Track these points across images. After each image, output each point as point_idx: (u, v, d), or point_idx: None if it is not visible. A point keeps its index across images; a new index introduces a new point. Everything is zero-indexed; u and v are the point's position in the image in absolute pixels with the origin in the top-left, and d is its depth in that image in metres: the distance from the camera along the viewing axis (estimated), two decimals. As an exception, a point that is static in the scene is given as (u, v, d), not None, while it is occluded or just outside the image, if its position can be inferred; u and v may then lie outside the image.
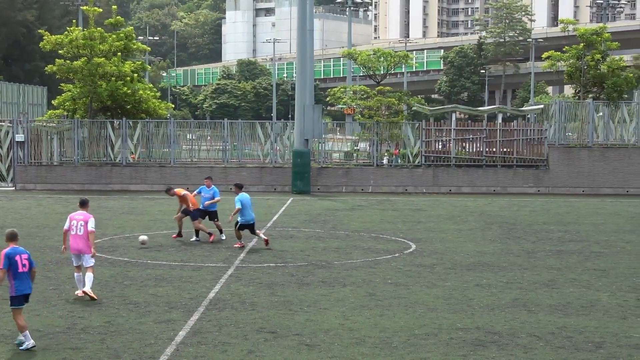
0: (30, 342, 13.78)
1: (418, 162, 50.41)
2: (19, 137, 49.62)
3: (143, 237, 25.78)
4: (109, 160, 50.42)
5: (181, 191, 27.56)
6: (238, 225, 25.62)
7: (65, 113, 53.94)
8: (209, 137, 55.69)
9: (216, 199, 27.75)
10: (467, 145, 51.56)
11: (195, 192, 28.47)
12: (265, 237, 25.89)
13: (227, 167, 50.03)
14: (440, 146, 52.70)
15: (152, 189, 48.69)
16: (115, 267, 21.98)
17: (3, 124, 52.03)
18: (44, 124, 53.08)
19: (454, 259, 23.62)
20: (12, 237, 14.15)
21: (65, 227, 18.25)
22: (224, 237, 27.50)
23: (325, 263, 22.90)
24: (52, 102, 58.12)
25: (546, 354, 13.83)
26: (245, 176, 49.45)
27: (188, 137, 55.05)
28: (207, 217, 27.71)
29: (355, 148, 57.76)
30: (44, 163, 50.83)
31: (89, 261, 17.87)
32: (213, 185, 28.11)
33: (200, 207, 27.61)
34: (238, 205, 25.41)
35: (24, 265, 13.87)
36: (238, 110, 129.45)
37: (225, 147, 51.06)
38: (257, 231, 26.26)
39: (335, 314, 16.58)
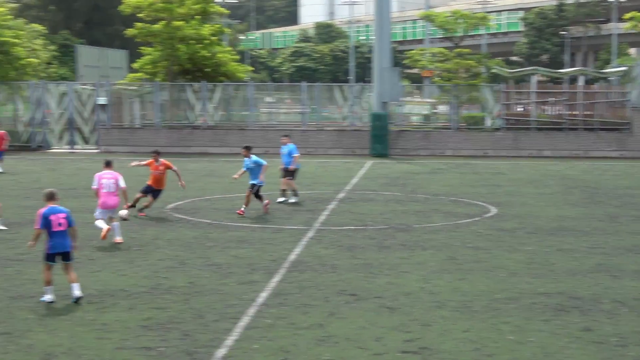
0: (48, 297, 14.23)
1: (498, 125, 49.92)
2: (101, 100, 50.40)
3: (123, 212, 21.34)
4: (189, 123, 50.93)
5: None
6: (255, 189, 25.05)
7: (146, 76, 54.58)
8: (287, 100, 55.90)
9: (294, 155, 27.89)
10: (548, 108, 50.88)
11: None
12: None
13: (306, 130, 50.17)
14: (520, 109, 52.11)
15: (232, 151, 49.07)
16: (197, 229, 22.27)
17: (86, 87, 52.86)
18: (125, 87, 53.81)
19: (535, 223, 23.42)
20: (50, 197, 14.61)
21: (95, 186, 19.89)
22: (280, 200, 27.50)
23: (405, 226, 22.91)
24: (133, 65, 58.87)
25: (630, 320, 13.68)
26: (324, 139, 49.58)
27: (267, 100, 55.32)
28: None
29: (433, 111, 57.43)
30: (125, 126, 51.57)
31: (120, 213, 20.26)
32: (289, 143, 28.18)
33: (285, 167, 27.88)
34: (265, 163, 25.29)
35: (59, 225, 14.27)
36: (316, 73, 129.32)
37: (303, 110, 51.18)
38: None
39: (416, 277, 16.61)
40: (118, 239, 19.85)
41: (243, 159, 25.55)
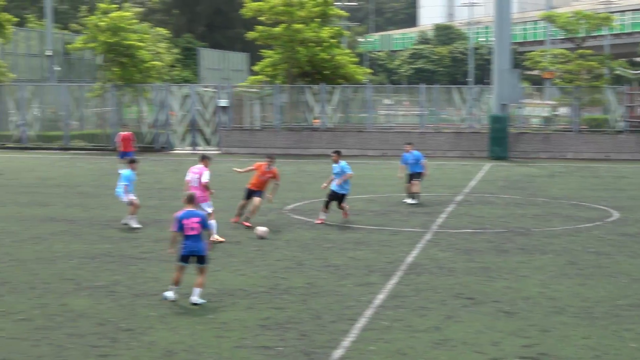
0: (170, 294, 14.53)
1: (621, 128, 48.81)
2: (223, 102, 51.23)
3: (262, 230, 20.95)
4: (308, 125, 51.34)
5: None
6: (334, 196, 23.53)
7: (266, 79, 55.25)
8: (406, 102, 55.80)
9: (422, 161, 28.24)
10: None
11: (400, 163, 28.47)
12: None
13: (424, 132, 50.00)
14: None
15: (350, 153, 49.24)
16: (315, 229, 22.45)
17: (208, 89, 53.82)
18: (246, 89, 54.57)
19: (659, 229, 22.86)
20: (188, 200, 15.02)
21: (187, 178, 20.59)
22: (411, 201, 27.63)
23: (524, 230, 22.64)
24: (253, 68, 59.62)
25: None
26: (442, 141, 49.33)
27: (385, 102, 55.34)
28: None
29: (554, 113, 56.48)
30: (246, 127, 52.30)
31: (207, 209, 19.75)
32: (412, 150, 28.26)
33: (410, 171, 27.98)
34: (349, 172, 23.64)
35: (192, 229, 14.48)
36: (435, 75, 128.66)
37: (422, 112, 51.02)
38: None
39: (535, 281, 16.40)
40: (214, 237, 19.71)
41: (332, 164, 24.33)
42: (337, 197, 23.53)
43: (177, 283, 14.59)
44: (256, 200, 22.85)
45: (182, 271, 14.59)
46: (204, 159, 20.79)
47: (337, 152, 24.15)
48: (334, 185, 23.50)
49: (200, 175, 20.34)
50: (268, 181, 23.30)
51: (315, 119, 51.61)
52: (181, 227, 14.55)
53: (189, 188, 19.87)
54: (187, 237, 14.54)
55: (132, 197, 22.42)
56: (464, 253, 19.25)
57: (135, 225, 22.34)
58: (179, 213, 14.75)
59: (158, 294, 15.09)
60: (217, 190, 30.86)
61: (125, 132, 38.35)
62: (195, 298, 14.39)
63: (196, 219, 14.59)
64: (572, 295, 15.33)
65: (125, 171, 22.78)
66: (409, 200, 27.82)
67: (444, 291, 15.56)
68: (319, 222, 23.19)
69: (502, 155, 47.06)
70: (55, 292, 15.27)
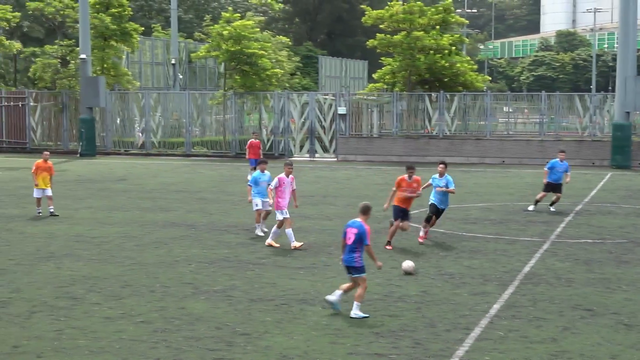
0: (335, 302, 14.42)
1: None
2: (341, 110, 51.48)
3: (408, 265, 18.07)
4: (427, 133, 51.18)
5: None
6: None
7: (385, 86, 55.34)
8: (525, 110, 55.10)
9: (568, 174, 28.13)
10: None
11: (546, 167, 28.31)
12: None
13: (544, 140, 49.28)
14: None
15: (468, 161, 48.92)
16: (431, 239, 22.36)
17: (327, 97, 54.19)
18: (365, 97, 54.74)
19: None
20: (361, 211, 14.82)
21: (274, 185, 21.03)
22: (553, 209, 27.68)
23: (646, 241, 22.12)
24: (373, 75, 59.80)
25: None
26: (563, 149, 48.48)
27: (504, 109, 54.77)
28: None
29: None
30: (364, 135, 52.45)
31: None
32: (564, 160, 28.15)
33: (549, 180, 27.83)
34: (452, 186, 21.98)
35: (349, 238, 14.38)
36: (556, 83, 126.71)
37: (542, 120, 50.31)
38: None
39: (656, 294, 16.03)
40: (295, 244, 20.57)
41: (434, 175, 22.27)
42: (437, 212, 21.85)
43: (343, 289, 14.62)
44: (406, 225, 21.06)
45: (350, 280, 14.62)
46: (287, 165, 21.41)
47: (444, 164, 22.23)
48: (435, 199, 21.80)
49: (292, 181, 21.12)
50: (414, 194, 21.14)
51: (431, 126, 51.42)
52: (344, 236, 14.56)
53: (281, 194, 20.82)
54: (346, 247, 14.49)
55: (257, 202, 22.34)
56: (583, 263, 18.93)
57: (259, 232, 22.62)
58: (350, 222, 14.74)
59: (274, 299, 15.31)
60: (334, 197, 31.09)
61: (255, 140, 38.64)
62: (354, 313, 14.20)
63: (354, 230, 14.40)
64: (695, 308, 14.92)
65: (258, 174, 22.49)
66: (552, 209, 27.86)
67: (561, 302, 15.33)
68: (422, 239, 21.59)
69: (625, 164, 46.01)
70: (174, 295, 15.64)
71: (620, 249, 20.91)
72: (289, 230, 20.60)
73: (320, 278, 17.19)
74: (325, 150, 52.55)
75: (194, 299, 15.37)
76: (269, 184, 21.62)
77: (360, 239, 14.31)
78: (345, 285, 14.62)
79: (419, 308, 14.80)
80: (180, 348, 12.38)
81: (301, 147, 52.97)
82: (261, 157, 36.46)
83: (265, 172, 22.44)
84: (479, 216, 26.64)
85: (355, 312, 14.18)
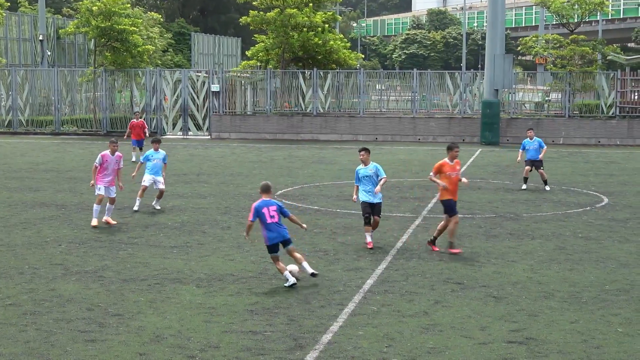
0: (291, 280, 14.67)
1: (612, 114, 48.86)
2: (215, 88, 51.14)
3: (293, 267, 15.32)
4: (300, 110, 51.30)
5: None
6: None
7: (259, 64, 55.17)
8: (398, 88, 55.78)
9: (544, 149, 28.72)
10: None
11: (520, 149, 29.12)
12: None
13: (416, 117, 50.00)
14: (636, 97, 50.86)
15: (342, 138, 49.29)
16: (305, 214, 22.43)
17: (200, 74, 53.72)
18: (238, 74, 54.48)
19: (648, 214, 22.89)
20: (264, 190, 15.07)
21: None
22: (547, 189, 28.03)
23: (513, 215, 22.68)
24: (246, 52, 59.54)
25: None
26: (434, 127, 49.35)
27: (377, 87, 55.33)
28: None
29: (546, 98, 56.49)
30: (237, 113, 52.24)
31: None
32: (535, 137, 28.89)
33: (527, 158, 28.52)
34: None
35: (272, 217, 14.69)
36: (427, 61, 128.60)
37: (414, 98, 51.01)
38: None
39: (523, 266, 16.43)
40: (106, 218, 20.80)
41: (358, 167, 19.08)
42: (373, 208, 18.39)
43: (283, 270, 14.80)
44: (455, 219, 18.02)
45: (279, 259, 14.92)
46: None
47: (366, 150, 18.81)
48: (365, 195, 18.36)
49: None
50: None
51: (286, 103, 51.67)
52: (260, 217, 14.75)
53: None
54: (267, 227, 14.78)
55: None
56: (454, 238, 19.24)
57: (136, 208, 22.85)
58: (256, 203, 14.89)
59: (147, 279, 15.11)
60: (207, 175, 30.89)
61: (136, 120, 37.27)
62: (310, 269, 14.96)
63: (274, 207, 14.80)
64: (560, 280, 15.36)
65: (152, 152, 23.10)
66: (524, 186, 28.35)
67: (432, 276, 15.58)
68: (370, 245, 18.21)
69: (494, 140, 47.13)
70: (44, 277, 15.27)
71: (489, 223, 21.39)
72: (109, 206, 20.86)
73: (194, 257, 17.05)
74: (198, 128, 52.15)
75: (64, 280, 15.04)
76: (164, 162, 23.09)
77: (281, 212, 14.91)
78: (280, 266, 14.88)
79: (293, 285, 14.81)
80: (51, 330, 12.09)
81: (174, 125, 52.43)
82: (145, 136, 36.49)
83: (160, 150, 23.15)
84: (352, 193, 26.79)
85: (311, 269, 15.02)
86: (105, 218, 20.84)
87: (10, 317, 12.75)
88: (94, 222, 20.52)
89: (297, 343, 11.64)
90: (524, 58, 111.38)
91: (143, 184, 22.90)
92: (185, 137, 51.16)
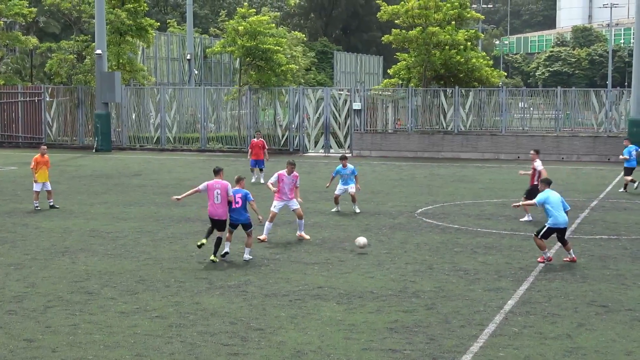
0: (246, 256, 18.64)
1: None
2: (356, 105, 51.43)
3: (361, 241, 19.71)
4: (442, 128, 51.11)
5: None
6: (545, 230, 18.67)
7: (400, 82, 55.25)
8: (541, 106, 54.94)
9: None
10: None
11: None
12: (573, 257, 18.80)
13: (559, 136, 49.13)
14: None
15: (483, 157, 48.84)
16: (445, 233, 22.36)
17: (342, 92, 54.15)
18: (380, 92, 54.68)
19: None
20: (237, 181, 18.81)
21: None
22: (635, 186, 31.96)
23: (661, 237, 22.05)
24: (388, 71, 59.70)
25: None
26: (578, 145, 48.39)
27: (520, 105, 54.63)
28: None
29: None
30: (379, 130, 52.41)
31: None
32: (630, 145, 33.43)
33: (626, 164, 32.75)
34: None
35: (236, 203, 18.32)
36: (571, 78, 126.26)
37: (557, 116, 50.16)
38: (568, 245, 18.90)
39: (671, 290, 15.97)
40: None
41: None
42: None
43: (228, 240, 18.74)
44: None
45: (232, 234, 18.90)
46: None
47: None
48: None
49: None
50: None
51: (398, 119, 51.49)
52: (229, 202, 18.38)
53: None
54: (232, 210, 18.41)
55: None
56: (598, 260, 18.88)
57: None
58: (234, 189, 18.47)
59: (288, 294, 15.34)
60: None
61: (257, 140, 36.01)
62: (248, 256, 18.59)
63: (240, 195, 18.43)
64: None
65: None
66: (635, 185, 32.12)
67: (576, 298, 15.30)
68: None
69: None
70: (189, 290, 15.68)
71: (636, 245, 20.85)
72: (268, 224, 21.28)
73: (335, 273, 17.20)
74: (340, 145, 52.51)
75: (208, 294, 15.41)
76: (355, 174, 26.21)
77: (246, 199, 18.49)
78: (228, 235, 18.71)
79: (434, 304, 14.79)
80: (195, 343, 12.42)
81: (316, 142, 52.94)
82: (265, 157, 35.36)
83: (348, 165, 26.16)
84: (494, 212, 26.59)
85: (247, 255, 18.59)
86: (299, 233, 21.50)
87: (156, 329, 13.15)
88: (263, 236, 20.93)
89: (436, 362, 11.62)
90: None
91: (336, 192, 26.44)
92: (326, 154, 51.58)
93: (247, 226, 18.59)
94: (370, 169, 42.35)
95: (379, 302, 14.85)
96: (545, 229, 18.43)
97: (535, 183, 24.16)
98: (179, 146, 54.82)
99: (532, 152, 25.60)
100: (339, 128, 52.66)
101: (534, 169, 24.86)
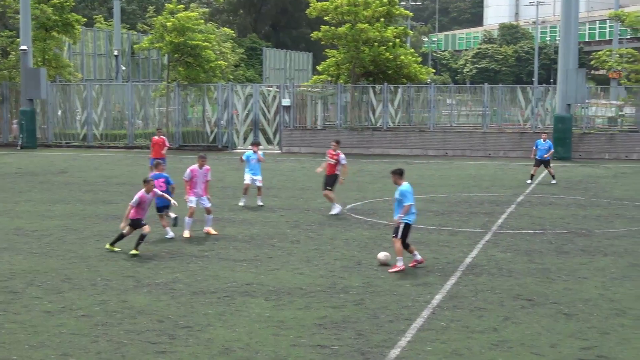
0: (169, 234, 20.77)
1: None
2: (285, 102, 51.42)
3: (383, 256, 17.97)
4: (370, 125, 51.33)
5: None
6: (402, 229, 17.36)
7: (329, 78, 55.35)
8: (468, 102, 55.51)
9: (551, 151, 34.63)
10: None
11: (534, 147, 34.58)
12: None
13: (486, 132, 49.69)
14: None
15: (412, 153, 49.18)
16: (374, 229, 22.46)
17: (271, 89, 54.09)
18: (309, 89, 54.72)
19: None
20: (155, 166, 21.15)
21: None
22: (554, 182, 33.62)
23: (585, 231, 22.40)
24: (317, 67, 59.78)
25: None
26: (504, 142, 49.00)
27: (448, 102, 55.13)
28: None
29: (620, 113, 55.70)
30: (308, 127, 52.45)
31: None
32: (547, 140, 34.87)
33: (537, 156, 34.20)
34: (409, 201, 17.40)
35: (159, 187, 19.86)
36: (498, 75, 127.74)
37: (485, 112, 50.72)
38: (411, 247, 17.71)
39: (595, 283, 16.23)
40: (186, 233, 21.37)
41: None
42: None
43: (165, 226, 20.84)
44: None
45: (162, 217, 20.89)
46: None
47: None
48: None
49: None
50: None
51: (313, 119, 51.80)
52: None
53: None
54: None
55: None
56: (524, 254, 19.12)
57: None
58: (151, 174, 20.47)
59: (217, 291, 15.26)
60: (277, 189, 31.04)
61: (158, 137, 34.70)
62: (171, 234, 20.71)
63: (162, 179, 20.36)
64: (633, 297, 15.14)
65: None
66: (553, 181, 33.95)
67: (502, 292, 15.47)
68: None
69: (566, 155, 46.58)
70: (116, 288, 15.51)
71: (561, 239, 21.16)
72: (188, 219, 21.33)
73: (263, 270, 17.16)
74: (269, 142, 52.45)
75: (135, 292, 15.26)
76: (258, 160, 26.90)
77: (168, 183, 20.43)
78: (165, 222, 20.74)
79: (362, 299, 14.83)
80: (122, 342, 12.28)
81: (245, 139, 52.80)
82: (165, 155, 33.79)
83: (257, 152, 27.10)
84: (422, 207, 26.72)
85: (172, 234, 20.75)
86: (206, 229, 21.44)
87: (82, 327, 12.97)
88: (186, 234, 20.95)
89: (365, 357, 11.65)
90: (597, 72, 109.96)
91: (245, 182, 26.84)
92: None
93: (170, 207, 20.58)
94: (299, 165, 42.37)
95: (307, 299, 14.85)
96: (403, 226, 17.23)
97: (337, 172, 25.52)
98: (106, 143, 54.24)
99: (333, 143, 26.38)
100: (268, 124, 52.59)
101: (337, 160, 25.57)
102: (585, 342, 12.42)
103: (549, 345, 12.27)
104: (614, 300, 14.89)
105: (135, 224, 18.80)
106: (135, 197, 18.88)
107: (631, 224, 23.67)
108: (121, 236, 18.97)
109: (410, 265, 17.50)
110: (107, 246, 19.19)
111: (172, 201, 19.85)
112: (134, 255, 18.43)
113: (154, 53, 74.64)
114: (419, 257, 17.67)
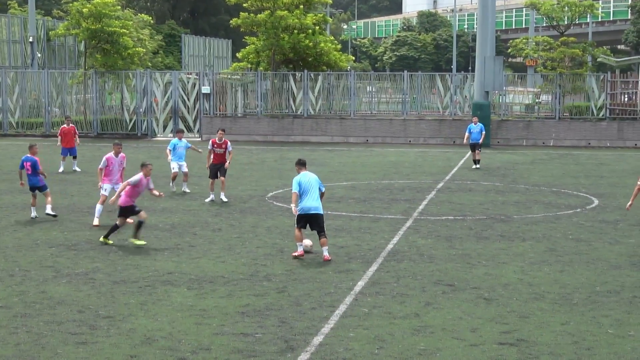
0: (33, 214, 21.84)
1: (602, 115, 48.98)
2: (205, 89, 51.08)
3: (307, 243, 17.73)
4: (291, 112, 51.29)
5: None
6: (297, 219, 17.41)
7: (249, 66, 55.13)
8: (388, 90, 55.80)
9: (483, 133, 35.79)
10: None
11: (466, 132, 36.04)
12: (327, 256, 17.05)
13: (406, 119, 50.04)
14: (625, 99, 50.97)
15: (333, 140, 49.29)
16: (294, 217, 22.41)
17: (190, 76, 53.67)
18: (229, 76, 54.42)
19: (639, 215, 22.93)
20: (29, 147, 22.27)
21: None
22: (476, 167, 34.73)
23: (504, 217, 22.71)
24: (237, 54, 59.48)
25: None
26: (424, 129, 49.40)
27: (368, 89, 55.35)
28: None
29: (536, 100, 56.54)
30: (228, 114, 52.19)
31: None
32: (479, 123, 36.53)
33: (471, 140, 35.47)
34: (295, 189, 17.67)
35: (27, 169, 21.49)
36: (418, 62, 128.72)
37: (404, 100, 51.05)
38: (324, 239, 17.18)
39: (514, 268, 16.47)
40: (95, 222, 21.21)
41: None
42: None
43: (33, 204, 21.98)
44: None
45: (35, 197, 21.97)
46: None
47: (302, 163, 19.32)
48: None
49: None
50: None
51: (221, 106, 51.73)
52: (22, 168, 21.80)
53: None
54: (28, 176, 21.53)
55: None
56: (445, 240, 19.32)
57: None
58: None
59: (138, 281, 15.10)
60: (198, 177, 30.86)
61: (67, 126, 34.29)
62: (49, 211, 21.61)
63: (29, 163, 21.62)
64: (551, 281, 15.40)
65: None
66: (475, 166, 34.82)
67: (423, 278, 15.60)
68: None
69: (484, 142, 47.02)
70: (35, 279, 15.25)
71: (480, 225, 21.42)
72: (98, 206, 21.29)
73: (185, 259, 17.04)
74: (189, 129, 52.06)
75: (55, 282, 15.02)
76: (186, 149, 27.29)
77: (35, 166, 21.45)
78: (34, 202, 21.83)
79: (285, 287, 14.82)
80: (41, 333, 12.07)
81: (165, 126, 52.33)
82: (76, 144, 33.82)
83: (182, 139, 27.45)
84: (344, 195, 26.87)
85: (49, 211, 21.55)
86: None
87: (0, 319, 12.72)
88: (96, 221, 20.69)
89: (288, 345, 11.65)
90: (514, 60, 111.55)
91: (173, 170, 27.09)
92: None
93: (42, 188, 21.80)
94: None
95: (230, 287, 14.79)
96: (296, 215, 17.21)
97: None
98: (22, 131, 53.26)
99: (220, 131, 25.84)
100: (188, 112, 52.19)
101: (225, 148, 25.57)
102: (505, 326, 12.60)
103: (470, 330, 12.41)
104: (533, 285, 15.13)
105: (128, 211, 18.40)
106: (136, 177, 18.45)
107: (548, 210, 24.07)
108: (115, 227, 18.56)
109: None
110: (101, 239, 18.61)
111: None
112: (140, 245, 18.12)
113: (70, 40, 73.35)
114: (300, 249, 17.29)
